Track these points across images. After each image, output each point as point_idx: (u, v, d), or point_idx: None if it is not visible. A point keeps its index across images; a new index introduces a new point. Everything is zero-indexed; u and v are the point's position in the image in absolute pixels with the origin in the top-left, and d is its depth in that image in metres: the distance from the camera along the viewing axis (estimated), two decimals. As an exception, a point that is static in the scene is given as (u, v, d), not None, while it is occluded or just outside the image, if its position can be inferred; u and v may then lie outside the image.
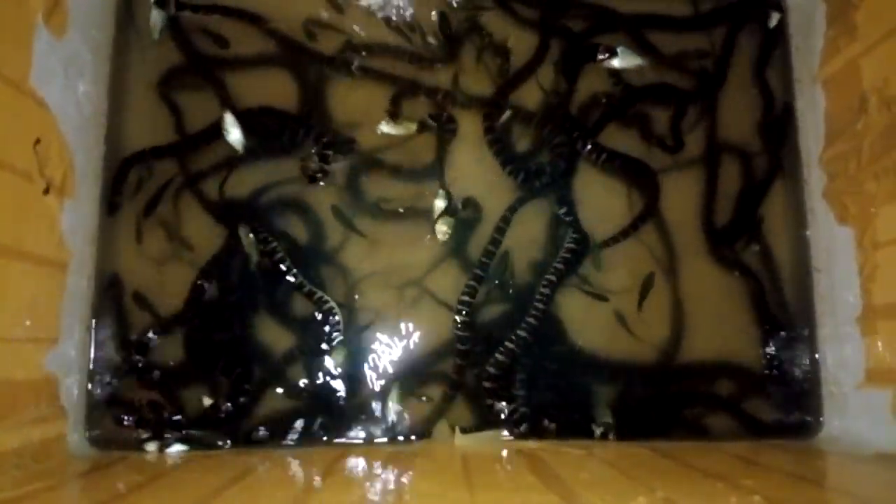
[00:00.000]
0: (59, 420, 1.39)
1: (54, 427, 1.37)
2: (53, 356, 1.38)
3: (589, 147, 1.60)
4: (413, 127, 1.59)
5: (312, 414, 1.51)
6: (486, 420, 1.52)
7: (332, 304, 1.53)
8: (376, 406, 1.52)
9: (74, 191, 1.45)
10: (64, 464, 1.34)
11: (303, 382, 1.53)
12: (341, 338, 1.52)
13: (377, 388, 1.53)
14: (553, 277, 1.55)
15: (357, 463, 1.35)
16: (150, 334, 1.52)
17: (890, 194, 1.36)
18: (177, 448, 1.43)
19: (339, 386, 1.53)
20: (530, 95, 1.65)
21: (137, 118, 1.61)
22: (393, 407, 1.49)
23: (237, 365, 1.51)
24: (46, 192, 1.35)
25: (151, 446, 1.43)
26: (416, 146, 1.62)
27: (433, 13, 1.64)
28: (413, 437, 1.50)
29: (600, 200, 1.63)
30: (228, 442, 1.47)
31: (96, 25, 1.55)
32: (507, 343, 1.52)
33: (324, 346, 1.53)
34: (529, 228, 1.60)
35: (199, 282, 1.53)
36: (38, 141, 1.33)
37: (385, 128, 1.58)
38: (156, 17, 1.59)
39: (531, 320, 1.53)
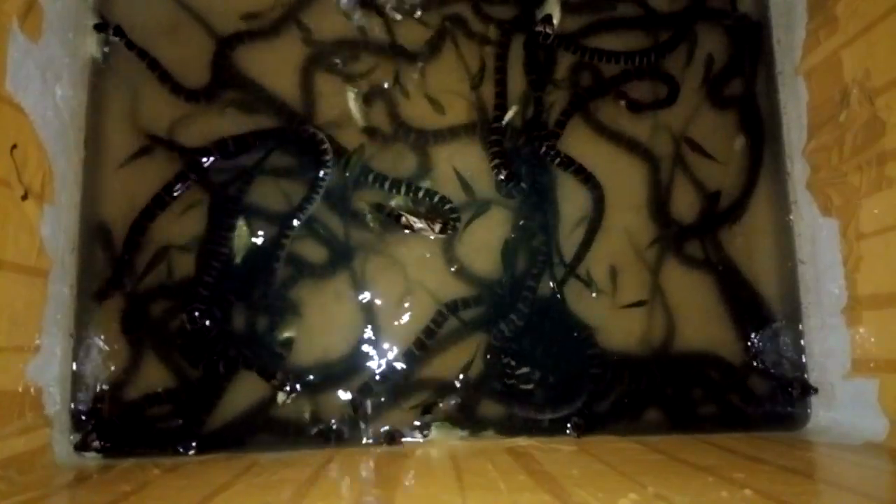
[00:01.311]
0: (43, 430, 1.37)
1: (39, 437, 1.35)
2: (35, 365, 1.36)
3: (545, 150, 1.60)
4: (361, 121, 1.59)
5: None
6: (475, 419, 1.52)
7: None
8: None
9: (54, 197, 1.43)
10: (49, 474, 1.32)
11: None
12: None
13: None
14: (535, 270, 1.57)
15: (349, 464, 1.34)
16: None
17: (873, 186, 1.37)
18: (92, 454, 1.44)
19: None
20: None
21: (118, 122, 1.59)
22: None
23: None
24: (25, 198, 1.33)
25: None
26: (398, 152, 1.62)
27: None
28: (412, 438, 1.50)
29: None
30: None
31: (73, 28, 1.53)
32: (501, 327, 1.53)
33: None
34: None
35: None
36: (14, 146, 1.30)
37: (351, 95, 1.58)
38: (94, 43, 1.57)
39: (519, 313, 1.53)
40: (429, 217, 1.53)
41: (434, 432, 1.48)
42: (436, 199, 1.56)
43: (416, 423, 1.49)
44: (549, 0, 1.63)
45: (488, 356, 1.53)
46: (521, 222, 1.59)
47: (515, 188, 1.58)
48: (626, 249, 1.61)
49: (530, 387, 1.51)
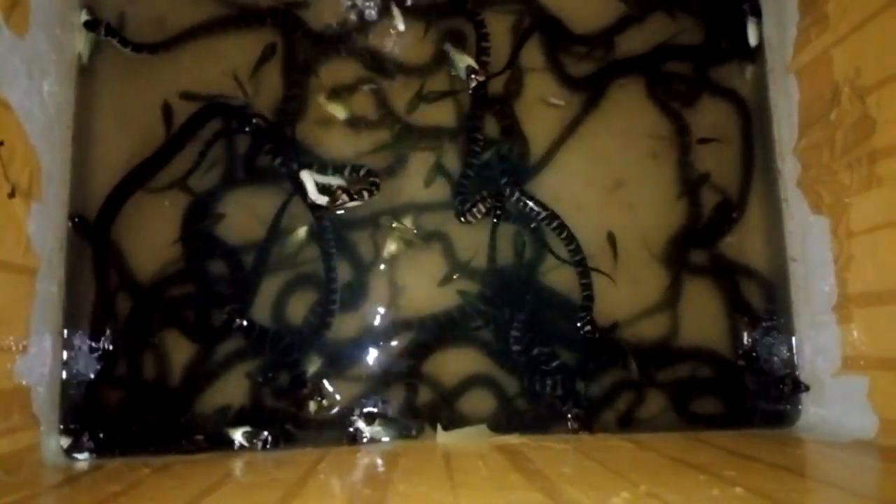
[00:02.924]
0: (31, 430, 1.35)
1: (26, 437, 1.33)
2: (23, 365, 1.34)
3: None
4: (342, 114, 1.60)
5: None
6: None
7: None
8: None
9: (42, 194, 1.41)
10: (38, 474, 1.31)
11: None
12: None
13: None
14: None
15: (339, 463, 1.34)
16: None
17: (863, 184, 1.37)
18: (85, 456, 1.43)
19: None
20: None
21: (107, 118, 1.57)
22: None
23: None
24: (12, 195, 1.31)
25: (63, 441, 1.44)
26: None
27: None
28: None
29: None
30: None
31: (60, 24, 1.51)
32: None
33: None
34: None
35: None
36: (1, 143, 1.29)
37: (322, 100, 1.60)
38: (83, 41, 1.56)
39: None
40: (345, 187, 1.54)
41: (375, 431, 1.49)
42: (361, 171, 1.57)
43: (367, 421, 1.50)
44: (455, 58, 1.61)
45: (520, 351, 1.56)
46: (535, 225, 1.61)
47: (469, 213, 1.56)
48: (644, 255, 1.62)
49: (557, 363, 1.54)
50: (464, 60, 1.60)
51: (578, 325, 1.54)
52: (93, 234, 1.52)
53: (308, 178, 1.53)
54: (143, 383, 1.50)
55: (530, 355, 1.55)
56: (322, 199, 1.52)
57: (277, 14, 1.63)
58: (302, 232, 1.57)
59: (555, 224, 1.58)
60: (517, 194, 1.59)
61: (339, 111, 1.61)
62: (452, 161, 1.63)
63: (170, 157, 1.56)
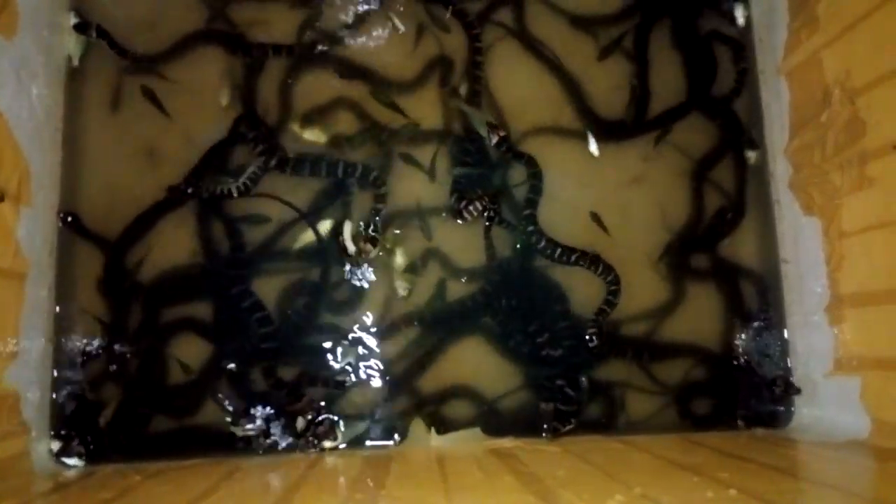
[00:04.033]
0: (21, 436, 1.34)
1: (16, 444, 1.32)
2: (13, 370, 1.33)
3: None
4: (322, 137, 1.60)
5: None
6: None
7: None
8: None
9: (31, 198, 1.40)
10: (28, 481, 1.29)
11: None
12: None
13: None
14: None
15: (333, 468, 1.33)
16: None
17: (854, 185, 1.38)
18: (74, 461, 1.41)
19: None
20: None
21: (97, 121, 1.56)
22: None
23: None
24: (0, 199, 1.30)
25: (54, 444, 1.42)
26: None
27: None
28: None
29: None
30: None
31: (48, 26, 1.50)
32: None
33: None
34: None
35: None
36: (-10, 147, 1.28)
37: (295, 128, 1.60)
38: (74, 42, 1.55)
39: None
40: None
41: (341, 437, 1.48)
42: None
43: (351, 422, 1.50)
44: (473, 118, 1.60)
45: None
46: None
47: (466, 210, 1.56)
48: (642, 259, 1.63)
49: (559, 352, 1.55)
50: (482, 117, 1.60)
51: (587, 337, 1.53)
52: (107, 254, 1.53)
53: (347, 227, 1.56)
54: (143, 386, 1.49)
55: (536, 342, 1.56)
56: (352, 248, 1.54)
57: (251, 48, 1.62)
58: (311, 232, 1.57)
59: (589, 260, 1.57)
60: (534, 231, 1.59)
61: (317, 136, 1.60)
62: (445, 162, 1.63)
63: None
